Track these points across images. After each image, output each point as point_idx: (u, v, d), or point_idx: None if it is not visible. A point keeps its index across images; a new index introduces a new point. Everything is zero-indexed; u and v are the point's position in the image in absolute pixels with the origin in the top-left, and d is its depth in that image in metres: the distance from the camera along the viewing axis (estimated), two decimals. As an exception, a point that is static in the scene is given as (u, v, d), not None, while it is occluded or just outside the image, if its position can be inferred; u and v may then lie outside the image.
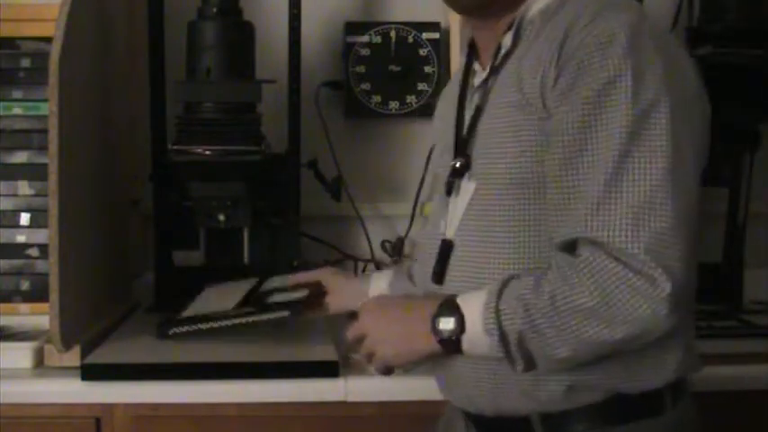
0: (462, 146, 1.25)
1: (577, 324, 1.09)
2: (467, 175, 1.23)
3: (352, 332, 1.29)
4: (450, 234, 1.25)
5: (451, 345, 1.16)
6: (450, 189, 1.27)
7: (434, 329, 1.17)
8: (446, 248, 1.25)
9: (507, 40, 1.23)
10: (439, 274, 1.26)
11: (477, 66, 1.31)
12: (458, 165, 1.24)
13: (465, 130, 1.26)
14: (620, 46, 1.10)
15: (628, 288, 1.07)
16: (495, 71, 1.24)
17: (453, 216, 1.26)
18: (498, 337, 1.12)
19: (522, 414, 1.21)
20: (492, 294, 1.13)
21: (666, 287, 1.06)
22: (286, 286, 1.66)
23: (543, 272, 1.13)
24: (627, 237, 1.07)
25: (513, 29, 1.22)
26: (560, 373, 1.16)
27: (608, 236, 1.08)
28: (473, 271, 1.21)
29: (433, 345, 1.18)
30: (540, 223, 1.16)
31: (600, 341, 1.09)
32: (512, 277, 1.14)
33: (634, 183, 1.08)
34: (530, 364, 1.14)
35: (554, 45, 1.14)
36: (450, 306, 1.17)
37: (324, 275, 1.65)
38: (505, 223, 1.18)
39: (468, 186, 1.23)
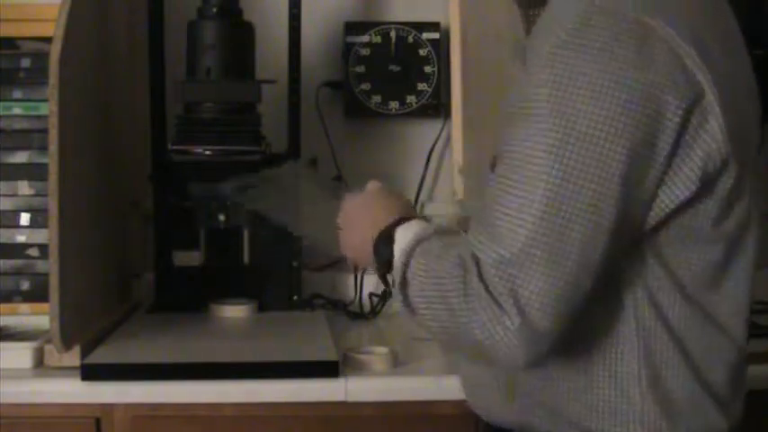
0: None
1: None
2: None
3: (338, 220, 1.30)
4: None
5: (385, 269, 1.16)
6: None
7: (375, 252, 1.17)
8: None
9: None
10: None
11: None
12: None
13: None
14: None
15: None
16: None
17: None
18: (400, 282, 1.10)
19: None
20: (417, 236, 1.12)
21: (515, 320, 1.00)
22: None
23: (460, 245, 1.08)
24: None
25: None
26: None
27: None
28: None
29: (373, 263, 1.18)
30: None
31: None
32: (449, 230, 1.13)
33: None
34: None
35: None
36: (387, 237, 1.15)
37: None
38: None
39: None
